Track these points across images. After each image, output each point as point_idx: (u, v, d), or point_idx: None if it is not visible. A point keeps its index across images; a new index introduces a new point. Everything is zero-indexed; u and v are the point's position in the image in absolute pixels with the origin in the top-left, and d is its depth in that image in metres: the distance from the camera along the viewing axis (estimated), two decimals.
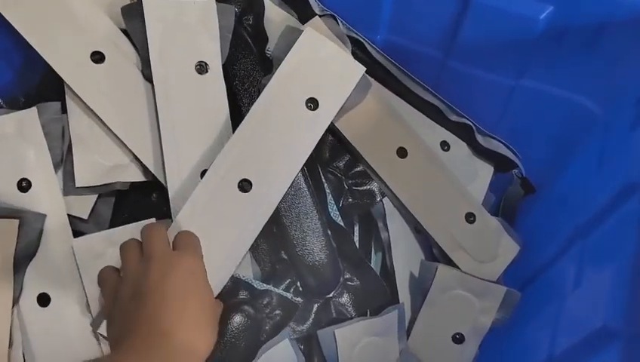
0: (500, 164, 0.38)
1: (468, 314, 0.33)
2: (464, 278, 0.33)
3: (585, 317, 0.28)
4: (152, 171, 0.31)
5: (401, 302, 0.34)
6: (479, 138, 0.36)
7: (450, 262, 0.34)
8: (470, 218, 0.35)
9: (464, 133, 0.37)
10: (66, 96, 0.30)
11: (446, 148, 0.36)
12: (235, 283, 0.30)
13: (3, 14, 0.30)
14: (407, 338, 0.34)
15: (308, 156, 0.30)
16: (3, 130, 0.29)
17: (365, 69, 0.31)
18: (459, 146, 0.37)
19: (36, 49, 0.30)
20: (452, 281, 0.33)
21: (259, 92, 0.32)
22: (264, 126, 0.30)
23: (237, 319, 0.30)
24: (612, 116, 0.33)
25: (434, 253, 0.35)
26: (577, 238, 0.32)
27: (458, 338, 0.34)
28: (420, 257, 0.35)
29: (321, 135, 0.30)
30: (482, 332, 0.34)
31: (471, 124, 0.36)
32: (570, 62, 0.33)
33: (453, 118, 0.36)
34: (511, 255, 0.35)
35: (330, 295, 0.32)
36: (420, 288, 0.34)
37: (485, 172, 0.37)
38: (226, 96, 0.32)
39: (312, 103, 0.30)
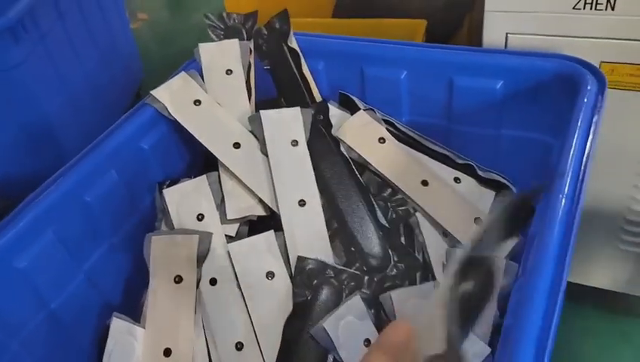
0: (500, 190, 0.54)
1: None
2: None
3: None
4: (270, 206, 0.51)
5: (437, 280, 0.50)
6: (481, 173, 0.54)
7: None
8: (478, 221, 0.51)
9: (469, 171, 0.54)
10: (219, 168, 0.53)
11: (458, 181, 0.54)
12: (323, 266, 0.48)
13: (181, 123, 0.53)
14: None
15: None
16: (187, 188, 0.52)
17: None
18: (467, 180, 0.54)
19: (200, 141, 0.52)
20: None
21: (329, 160, 0.53)
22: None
23: (326, 288, 0.48)
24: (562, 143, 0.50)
25: (456, 247, 0.51)
26: None
27: None
28: None
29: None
30: (494, 294, 0.48)
31: (473, 164, 0.54)
32: (527, 111, 0.51)
33: (460, 161, 0.54)
34: (511, 243, 0.50)
35: (385, 272, 0.49)
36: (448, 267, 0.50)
37: (488, 196, 0.54)
38: (310, 161, 0.53)
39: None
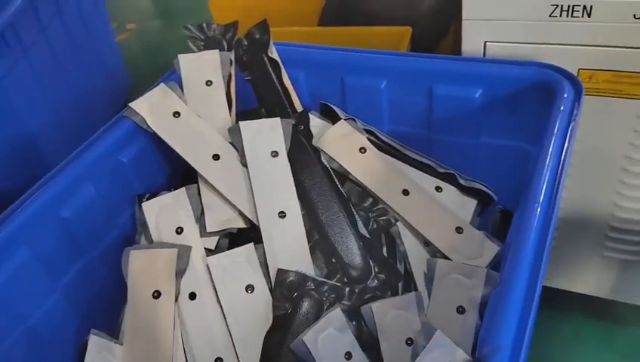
0: (481, 198, 0.54)
1: (463, 291, 0.48)
2: (456, 265, 0.48)
3: None
4: (251, 219, 0.51)
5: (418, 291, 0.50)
6: (462, 182, 0.54)
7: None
8: (459, 230, 0.51)
9: (451, 179, 0.54)
10: (199, 180, 0.52)
11: (439, 190, 0.54)
12: (304, 278, 0.48)
13: (160, 136, 0.52)
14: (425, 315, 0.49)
15: None
16: (166, 201, 0.51)
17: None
18: (449, 189, 0.54)
19: (179, 153, 0.52)
20: (448, 268, 0.48)
21: (310, 170, 0.52)
22: None
23: (306, 301, 0.47)
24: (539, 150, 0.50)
25: (438, 256, 0.51)
26: None
27: (461, 311, 0.48)
28: None
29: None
30: (476, 303, 0.48)
31: (454, 173, 0.54)
32: (506, 119, 0.51)
33: (441, 170, 0.54)
34: (492, 253, 0.50)
35: (366, 283, 0.49)
36: (429, 278, 0.49)
37: (470, 204, 0.54)
38: (290, 172, 0.52)
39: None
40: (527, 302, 0.34)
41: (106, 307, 0.50)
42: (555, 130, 0.42)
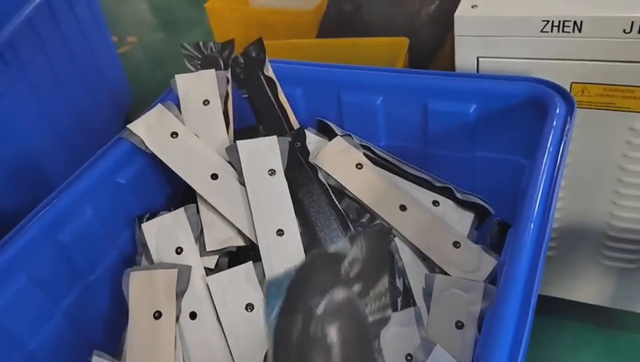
0: (478, 211, 0.55)
1: (462, 306, 0.48)
2: (455, 280, 0.49)
3: None
4: (249, 237, 0.51)
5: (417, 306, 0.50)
6: (459, 195, 0.54)
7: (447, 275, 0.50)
8: (457, 244, 0.51)
9: (448, 193, 0.54)
10: (198, 200, 0.53)
11: (437, 204, 0.54)
12: None
13: (159, 156, 0.53)
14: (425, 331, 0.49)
15: None
16: (165, 221, 0.52)
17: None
18: (446, 203, 0.54)
19: (178, 173, 0.52)
20: (447, 284, 0.49)
21: (308, 188, 0.53)
22: None
23: None
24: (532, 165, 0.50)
25: (435, 271, 0.51)
26: None
27: (459, 325, 0.48)
28: None
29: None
30: (475, 318, 0.48)
31: (451, 187, 0.54)
32: (500, 134, 0.52)
33: (438, 184, 0.55)
34: (489, 266, 0.50)
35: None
36: (428, 293, 0.50)
37: (467, 218, 0.54)
38: (287, 189, 0.53)
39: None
40: (522, 319, 0.35)
41: (108, 328, 0.50)
42: (548, 145, 0.43)
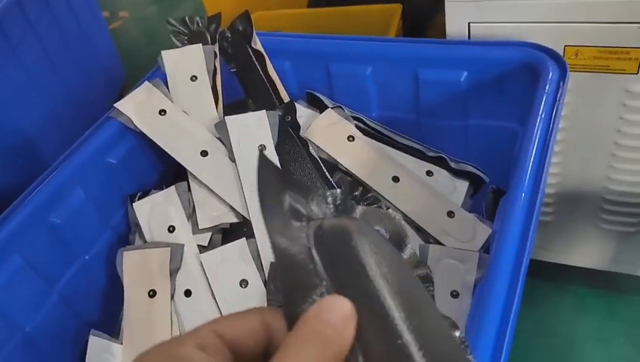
0: (473, 180, 0.54)
1: (457, 276, 0.48)
2: (449, 251, 0.49)
3: None
4: (242, 213, 0.51)
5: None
6: (453, 165, 0.53)
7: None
8: (451, 214, 0.51)
9: (441, 163, 0.54)
10: (189, 177, 0.52)
11: (430, 174, 0.54)
12: None
13: (147, 135, 0.53)
14: None
15: None
16: (157, 200, 0.51)
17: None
18: (439, 172, 0.54)
19: (167, 151, 0.52)
20: (441, 254, 0.49)
21: (299, 162, 0.52)
22: None
23: None
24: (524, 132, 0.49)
25: (430, 241, 0.51)
26: None
27: (454, 295, 0.48)
28: None
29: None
30: (470, 287, 0.48)
31: (445, 156, 0.54)
32: (492, 100, 0.51)
33: (431, 154, 0.54)
34: (484, 235, 0.50)
35: None
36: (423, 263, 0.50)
37: (461, 187, 0.53)
38: (278, 165, 0.52)
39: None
40: (512, 287, 0.34)
41: (104, 308, 0.50)
42: (540, 111, 0.42)
